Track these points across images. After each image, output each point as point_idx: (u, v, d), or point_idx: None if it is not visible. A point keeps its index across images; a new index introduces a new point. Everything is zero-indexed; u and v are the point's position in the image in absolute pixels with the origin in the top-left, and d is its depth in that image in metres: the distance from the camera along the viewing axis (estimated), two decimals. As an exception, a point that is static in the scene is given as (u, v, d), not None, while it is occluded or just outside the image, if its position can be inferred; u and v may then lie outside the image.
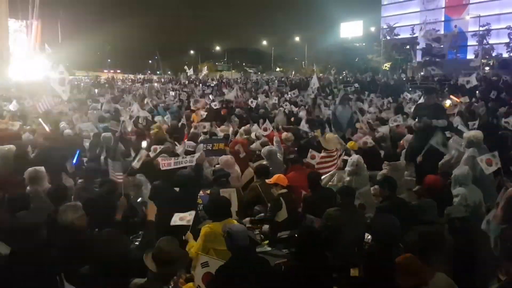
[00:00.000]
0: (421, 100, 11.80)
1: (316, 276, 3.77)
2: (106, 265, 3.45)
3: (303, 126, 10.68)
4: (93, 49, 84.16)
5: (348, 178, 6.64)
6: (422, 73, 33.51)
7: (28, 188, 5.56)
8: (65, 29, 59.17)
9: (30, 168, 5.78)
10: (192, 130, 10.20)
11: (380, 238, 4.23)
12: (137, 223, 5.41)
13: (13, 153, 6.96)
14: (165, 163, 6.65)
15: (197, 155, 6.85)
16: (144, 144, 8.55)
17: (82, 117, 12.25)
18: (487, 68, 38.25)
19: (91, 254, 3.60)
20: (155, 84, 36.39)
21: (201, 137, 9.39)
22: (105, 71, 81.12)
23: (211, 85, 32.01)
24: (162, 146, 7.77)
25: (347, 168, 6.71)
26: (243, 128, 10.36)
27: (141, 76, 60.07)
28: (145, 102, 17.35)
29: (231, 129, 10.92)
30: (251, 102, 17.07)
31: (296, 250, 4.16)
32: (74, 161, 7.27)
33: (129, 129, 10.46)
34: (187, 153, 7.67)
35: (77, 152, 7.45)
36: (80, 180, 6.48)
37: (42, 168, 5.81)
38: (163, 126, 11.25)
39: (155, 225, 4.61)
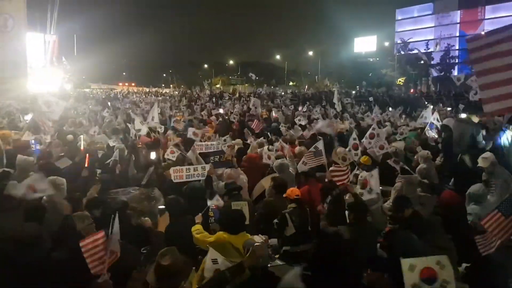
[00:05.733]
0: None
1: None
2: (117, 277, 3.43)
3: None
4: (109, 62, 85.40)
5: (361, 191, 6.58)
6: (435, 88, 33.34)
7: (44, 197, 5.53)
8: (81, 43, 60.18)
9: (51, 177, 5.78)
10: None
11: (394, 253, 4.17)
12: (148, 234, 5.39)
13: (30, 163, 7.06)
14: (177, 176, 6.70)
15: (207, 167, 6.91)
16: (153, 155, 8.59)
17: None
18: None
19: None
20: (168, 97, 36.83)
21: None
22: (120, 84, 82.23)
23: (226, 98, 32.13)
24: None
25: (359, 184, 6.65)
26: (256, 141, 10.33)
27: (154, 89, 60.65)
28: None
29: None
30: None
31: (309, 265, 4.11)
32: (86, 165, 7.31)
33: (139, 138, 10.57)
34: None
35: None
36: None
37: (62, 179, 5.82)
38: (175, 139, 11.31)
39: (165, 237, 4.59)
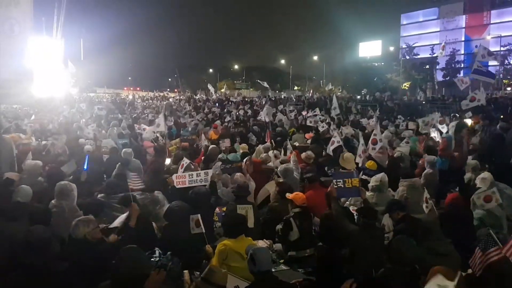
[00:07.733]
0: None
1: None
2: (127, 282, 3.38)
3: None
4: (114, 67, 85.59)
5: (370, 193, 6.55)
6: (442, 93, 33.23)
7: (52, 202, 5.58)
8: (87, 47, 60.29)
9: (60, 182, 5.80)
10: (211, 146, 10.18)
11: (396, 260, 4.14)
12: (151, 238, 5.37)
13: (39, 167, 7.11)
14: (180, 182, 6.69)
15: (210, 172, 6.88)
16: (168, 161, 8.62)
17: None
18: (508, 88, 37.74)
19: (111, 269, 3.55)
20: (171, 100, 36.97)
21: (220, 155, 9.40)
22: (125, 88, 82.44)
23: (231, 102, 32.09)
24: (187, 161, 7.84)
25: (371, 184, 6.64)
26: (261, 146, 10.32)
27: (159, 93, 60.71)
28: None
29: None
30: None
31: (314, 270, 4.09)
32: (85, 167, 7.30)
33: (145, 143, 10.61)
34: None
35: (86, 157, 7.49)
36: (100, 195, 6.51)
37: (72, 184, 5.79)
38: (182, 144, 11.37)
39: (171, 242, 4.59)
